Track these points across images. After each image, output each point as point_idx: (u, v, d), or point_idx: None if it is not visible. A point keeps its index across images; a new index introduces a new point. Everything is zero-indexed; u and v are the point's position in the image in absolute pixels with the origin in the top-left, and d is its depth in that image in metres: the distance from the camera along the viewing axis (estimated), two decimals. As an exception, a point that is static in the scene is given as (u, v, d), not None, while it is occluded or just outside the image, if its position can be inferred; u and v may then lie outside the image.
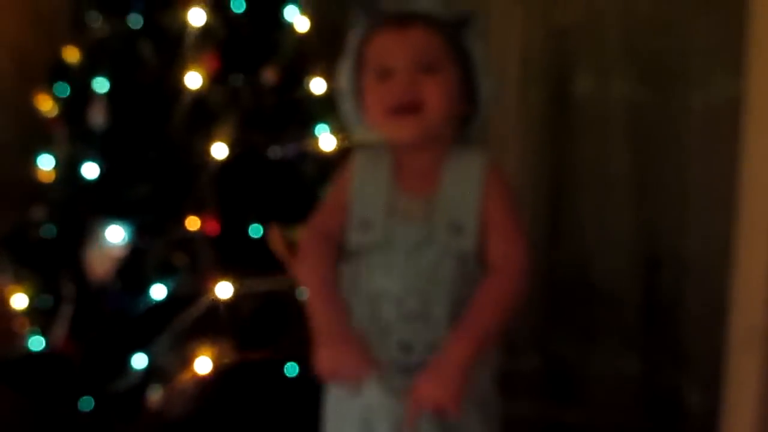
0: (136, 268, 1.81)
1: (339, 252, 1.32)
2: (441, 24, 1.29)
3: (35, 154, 1.99)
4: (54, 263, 1.93)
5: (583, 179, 2.33)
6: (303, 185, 1.93)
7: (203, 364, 1.76)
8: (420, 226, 1.27)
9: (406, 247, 1.27)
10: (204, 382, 1.77)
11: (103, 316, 1.84)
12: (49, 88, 2.04)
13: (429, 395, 1.18)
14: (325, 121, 1.96)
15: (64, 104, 1.99)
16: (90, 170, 1.86)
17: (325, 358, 1.21)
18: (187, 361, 1.77)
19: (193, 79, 1.81)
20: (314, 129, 1.96)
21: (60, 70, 2.03)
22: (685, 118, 2.14)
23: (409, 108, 1.25)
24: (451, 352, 1.20)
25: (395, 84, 1.26)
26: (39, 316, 1.96)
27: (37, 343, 1.94)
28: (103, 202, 1.85)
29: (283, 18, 1.99)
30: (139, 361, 1.78)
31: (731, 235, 1.93)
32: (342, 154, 1.91)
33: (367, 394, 1.27)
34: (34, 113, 2.06)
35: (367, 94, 1.32)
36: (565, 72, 2.36)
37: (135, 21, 1.90)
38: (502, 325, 1.26)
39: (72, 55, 2.01)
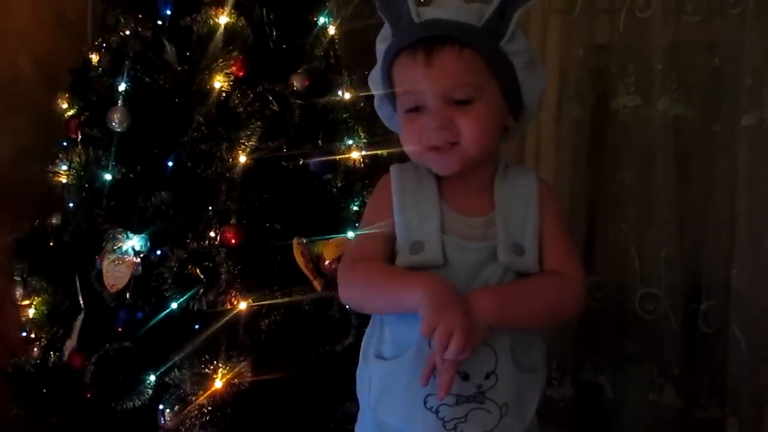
0: (152, 279, 1.76)
1: None
2: (474, 35, 1.19)
3: (54, 158, 1.96)
4: (68, 273, 1.89)
5: (623, 201, 2.27)
6: (328, 197, 1.90)
7: (220, 382, 1.70)
8: (480, 245, 1.22)
9: (466, 266, 1.21)
10: (221, 399, 1.69)
11: (117, 329, 1.80)
12: (71, 92, 2.03)
13: (442, 325, 1.08)
14: (353, 131, 1.92)
15: (85, 108, 1.97)
16: (108, 177, 1.83)
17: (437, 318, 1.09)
18: (203, 378, 1.69)
19: (217, 85, 1.78)
20: (342, 139, 1.92)
21: (82, 74, 2.01)
22: (732, 139, 2.05)
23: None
24: (475, 297, 1.15)
25: (427, 122, 1.21)
26: (51, 328, 1.92)
27: (48, 355, 1.89)
28: (121, 210, 1.82)
29: (312, 24, 1.96)
30: (153, 377, 1.73)
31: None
32: (370, 167, 1.88)
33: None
34: (55, 117, 2.05)
35: (401, 123, 1.27)
36: (605, 89, 2.31)
37: (159, 25, 1.88)
38: (542, 320, 1.25)
39: (95, 58, 2.00)
